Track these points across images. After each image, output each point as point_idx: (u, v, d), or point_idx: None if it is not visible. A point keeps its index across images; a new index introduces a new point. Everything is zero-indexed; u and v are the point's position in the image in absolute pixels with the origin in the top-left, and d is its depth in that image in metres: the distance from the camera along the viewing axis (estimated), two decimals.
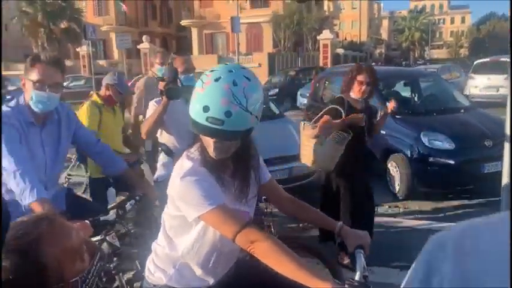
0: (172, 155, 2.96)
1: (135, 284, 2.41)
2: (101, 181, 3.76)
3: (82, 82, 23.19)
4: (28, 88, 2.31)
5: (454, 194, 5.64)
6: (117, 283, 2.42)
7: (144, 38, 32.07)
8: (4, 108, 2.35)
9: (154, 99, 3.01)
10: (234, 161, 1.58)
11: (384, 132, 5.65)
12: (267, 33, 37.60)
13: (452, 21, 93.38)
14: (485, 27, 75.95)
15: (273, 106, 7.17)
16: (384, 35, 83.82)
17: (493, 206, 4.77)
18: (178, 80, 2.90)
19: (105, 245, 2.39)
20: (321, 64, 28.92)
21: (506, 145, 3.19)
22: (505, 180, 3.21)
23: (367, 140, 3.83)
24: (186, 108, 1.51)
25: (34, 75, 2.29)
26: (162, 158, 3.09)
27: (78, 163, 6.30)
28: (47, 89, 2.29)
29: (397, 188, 5.72)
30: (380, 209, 5.15)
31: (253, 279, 1.75)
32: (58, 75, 2.35)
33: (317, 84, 8.91)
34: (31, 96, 2.30)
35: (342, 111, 3.53)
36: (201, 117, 1.41)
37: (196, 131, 1.47)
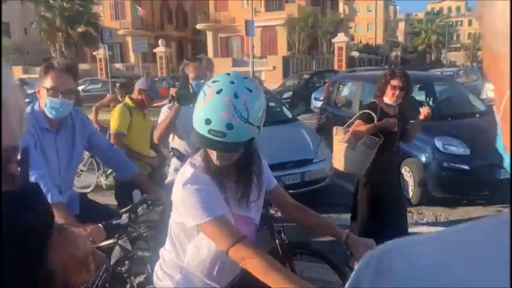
0: (184, 159, 2.99)
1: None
2: (127, 182, 3.84)
3: (99, 85, 23.47)
4: (42, 95, 2.37)
5: (469, 200, 5.56)
6: (128, 286, 2.46)
7: (160, 41, 32.39)
8: None
9: (167, 105, 3.05)
10: (236, 166, 1.60)
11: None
12: (282, 36, 37.60)
13: (469, 23, 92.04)
14: None
15: (286, 110, 7.18)
16: (400, 38, 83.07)
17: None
18: (189, 86, 2.93)
19: (117, 249, 2.43)
20: (335, 67, 28.77)
21: None
22: None
23: (399, 146, 3.79)
24: None
25: (48, 83, 2.34)
26: (173, 162, 3.13)
27: (90, 159, 6.44)
28: (60, 95, 2.34)
29: (410, 193, 5.66)
30: None
31: (260, 285, 1.76)
32: (71, 82, 2.41)
33: (331, 88, 8.89)
34: (45, 103, 2.36)
35: (374, 116, 3.52)
36: (203, 129, 1.44)
37: (199, 143, 1.51)
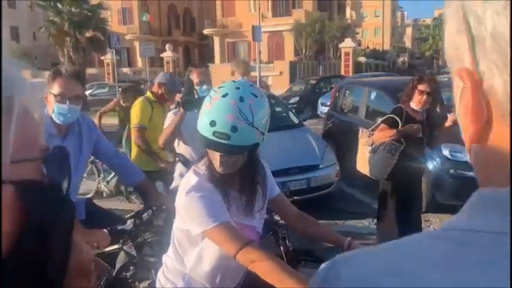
0: (189, 165, 3.00)
1: None
2: (148, 175, 3.86)
3: (106, 90, 23.65)
4: (50, 101, 2.39)
5: None
6: None
7: (167, 46, 32.56)
8: None
9: (172, 111, 3.07)
10: (240, 175, 1.60)
11: None
12: (289, 41, 37.68)
13: None
14: None
15: (292, 116, 7.17)
16: (407, 43, 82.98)
17: None
18: (194, 91, 2.95)
19: (122, 254, 2.44)
20: (342, 72, 28.74)
21: None
22: None
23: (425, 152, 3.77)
24: None
25: (55, 89, 2.36)
26: (179, 167, 3.14)
27: (91, 166, 6.46)
28: (68, 101, 2.36)
29: None
30: None
31: None
32: (78, 88, 2.43)
33: (337, 94, 8.88)
34: (53, 109, 2.38)
35: (399, 121, 3.50)
36: (208, 131, 1.45)
37: (203, 145, 1.51)
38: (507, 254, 0.36)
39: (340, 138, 7.38)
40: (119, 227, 2.34)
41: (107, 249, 2.30)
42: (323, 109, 14.73)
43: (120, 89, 8.42)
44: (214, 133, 1.43)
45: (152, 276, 2.44)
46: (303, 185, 5.25)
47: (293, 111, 7.86)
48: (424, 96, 3.46)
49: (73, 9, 23.93)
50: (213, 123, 1.43)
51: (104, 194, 6.42)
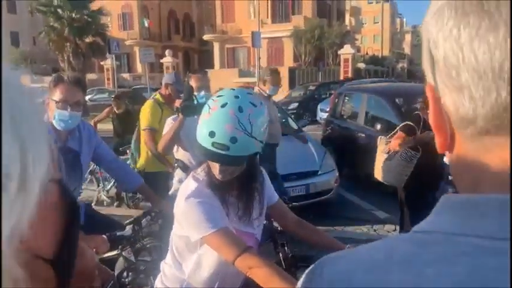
0: (188, 171, 3.00)
1: None
2: (155, 175, 3.85)
3: (105, 95, 23.69)
4: (51, 107, 2.40)
5: None
6: None
7: (167, 52, 32.60)
8: None
9: (172, 117, 3.07)
10: (238, 182, 1.60)
11: None
12: (288, 47, 37.77)
13: None
14: None
15: (291, 122, 7.17)
16: (407, 50, 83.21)
17: None
18: (193, 97, 2.95)
19: (120, 260, 2.43)
20: (341, 79, 28.82)
21: None
22: None
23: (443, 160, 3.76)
24: None
25: (57, 95, 2.37)
26: (178, 173, 3.14)
27: (90, 177, 6.42)
28: (69, 108, 2.37)
29: None
30: None
31: None
32: (79, 94, 2.44)
33: (336, 100, 8.89)
34: (54, 115, 2.39)
35: (416, 128, 3.50)
36: (207, 142, 1.45)
37: (203, 155, 1.51)
38: (462, 253, 0.40)
39: (340, 144, 7.38)
40: (118, 233, 2.33)
41: (106, 255, 2.29)
42: (322, 115, 14.74)
43: (112, 96, 8.40)
44: (213, 144, 1.43)
45: (151, 282, 2.43)
46: (302, 191, 5.25)
47: (292, 117, 7.86)
48: None
49: (73, 15, 23.98)
50: (212, 134, 1.43)
51: (105, 203, 6.35)
